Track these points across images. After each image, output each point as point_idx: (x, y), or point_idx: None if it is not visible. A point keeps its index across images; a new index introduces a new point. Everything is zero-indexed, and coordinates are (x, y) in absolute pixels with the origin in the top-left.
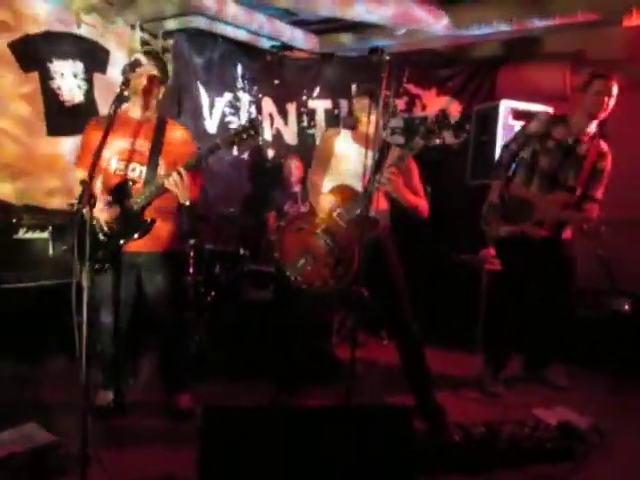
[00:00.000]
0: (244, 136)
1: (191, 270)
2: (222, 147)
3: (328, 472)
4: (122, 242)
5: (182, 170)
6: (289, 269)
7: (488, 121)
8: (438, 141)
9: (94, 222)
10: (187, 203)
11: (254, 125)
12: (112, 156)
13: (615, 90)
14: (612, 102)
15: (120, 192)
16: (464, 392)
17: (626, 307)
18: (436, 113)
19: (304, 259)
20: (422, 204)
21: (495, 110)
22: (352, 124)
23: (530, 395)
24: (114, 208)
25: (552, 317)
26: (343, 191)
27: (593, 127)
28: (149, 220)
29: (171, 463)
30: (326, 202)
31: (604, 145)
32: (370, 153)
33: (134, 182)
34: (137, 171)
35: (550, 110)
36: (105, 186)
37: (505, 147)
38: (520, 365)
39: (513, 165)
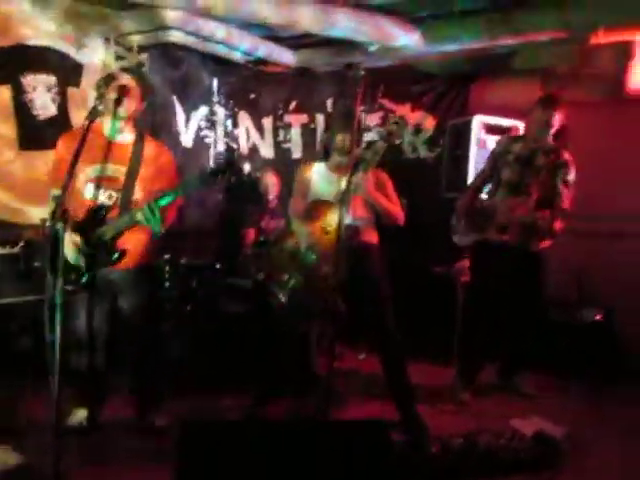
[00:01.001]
0: (219, 177)
1: (167, 284)
2: (198, 187)
3: None
4: (93, 271)
5: (153, 206)
6: (278, 289)
7: (462, 135)
8: (398, 141)
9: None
10: (160, 232)
11: (230, 164)
12: (86, 182)
13: (556, 117)
14: (553, 130)
15: (92, 220)
16: (441, 404)
17: (597, 317)
18: (394, 118)
19: (294, 279)
20: (397, 210)
21: (468, 125)
22: (328, 143)
23: (505, 405)
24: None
25: (520, 325)
26: (319, 206)
27: (548, 141)
28: (121, 250)
29: None
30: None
31: (566, 155)
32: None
33: (109, 209)
34: (113, 198)
35: (520, 125)
36: (77, 212)
37: (480, 172)
38: (494, 373)
39: (485, 188)
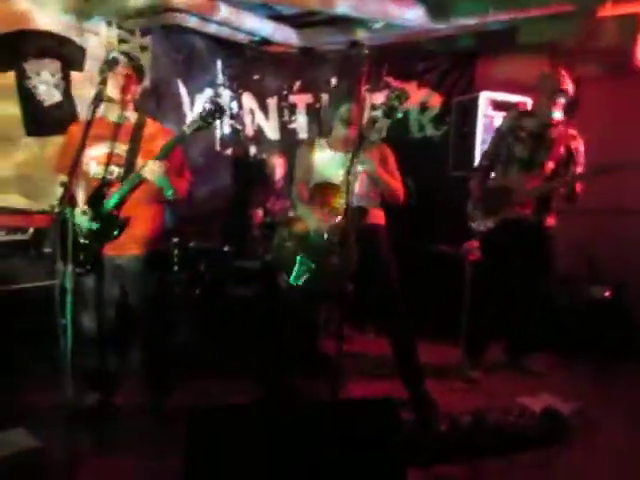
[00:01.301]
0: (210, 119)
1: (175, 268)
2: (188, 132)
3: (317, 468)
4: (101, 243)
5: (156, 160)
6: (289, 274)
7: (468, 112)
8: (400, 115)
9: (75, 226)
10: (171, 197)
11: (218, 106)
12: (90, 161)
13: (569, 86)
14: (564, 99)
15: (97, 196)
16: (449, 382)
17: (606, 294)
18: (395, 91)
19: (304, 264)
20: (398, 187)
21: (475, 101)
22: (330, 116)
23: (514, 383)
24: (94, 216)
25: (533, 303)
26: (324, 189)
27: (558, 115)
28: (123, 218)
29: (158, 466)
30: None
31: (572, 130)
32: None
33: (111, 184)
34: (115, 173)
35: (528, 100)
36: (86, 191)
37: (484, 153)
38: (502, 351)
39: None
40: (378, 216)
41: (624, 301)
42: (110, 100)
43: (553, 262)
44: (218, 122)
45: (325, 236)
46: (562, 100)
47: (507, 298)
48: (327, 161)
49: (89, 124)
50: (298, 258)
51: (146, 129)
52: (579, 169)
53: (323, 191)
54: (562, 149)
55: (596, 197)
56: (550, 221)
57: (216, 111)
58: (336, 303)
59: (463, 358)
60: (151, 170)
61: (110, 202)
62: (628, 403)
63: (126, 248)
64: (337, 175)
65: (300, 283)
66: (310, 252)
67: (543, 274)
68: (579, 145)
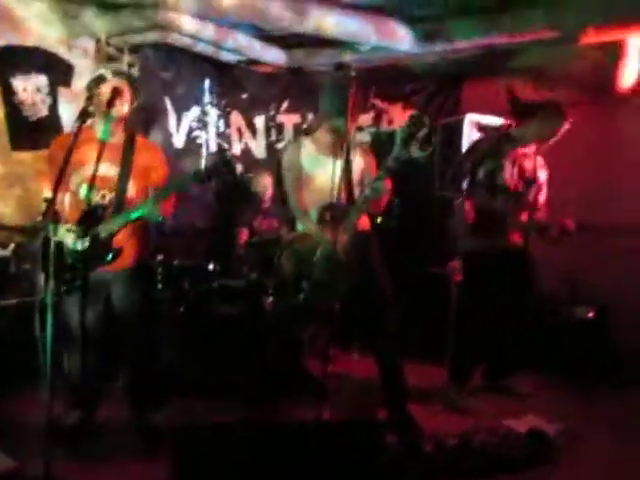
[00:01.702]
0: (215, 175)
1: (160, 286)
2: (192, 182)
3: None
4: (90, 268)
5: (151, 203)
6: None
7: (453, 134)
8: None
9: (62, 245)
10: (157, 220)
11: (228, 164)
12: (81, 183)
13: (567, 125)
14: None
15: (89, 218)
16: (434, 404)
17: (589, 315)
18: (409, 118)
19: (310, 286)
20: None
21: (460, 124)
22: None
23: (499, 405)
24: (82, 237)
25: (517, 325)
26: (329, 213)
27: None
28: (117, 248)
29: None
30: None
31: (540, 159)
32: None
33: (105, 207)
34: (107, 198)
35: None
36: (74, 212)
37: (457, 168)
38: (481, 375)
39: (464, 184)
40: (364, 222)
41: (607, 322)
42: (99, 117)
43: (536, 285)
44: (204, 140)
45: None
46: (553, 140)
47: (488, 320)
48: (316, 167)
49: (74, 140)
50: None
51: (137, 150)
52: (543, 200)
53: (331, 212)
54: (538, 180)
55: (582, 219)
56: (531, 246)
57: (224, 165)
58: (323, 322)
59: (449, 386)
60: (149, 211)
61: (106, 230)
62: (611, 422)
63: (114, 264)
64: (327, 178)
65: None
66: (312, 270)
67: (526, 297)
68: (544, 176)
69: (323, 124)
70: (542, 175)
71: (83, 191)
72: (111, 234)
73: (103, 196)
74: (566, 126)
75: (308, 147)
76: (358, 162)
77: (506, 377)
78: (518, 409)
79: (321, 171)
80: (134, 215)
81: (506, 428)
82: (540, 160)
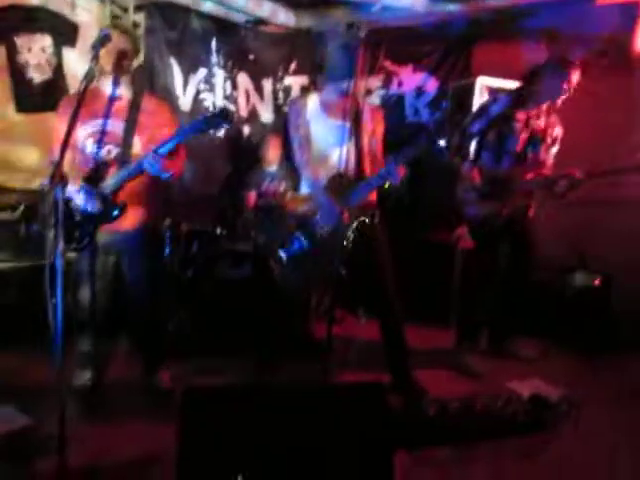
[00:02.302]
0: (214, 124)
1: (167, 250)
2: (191, 133)
3: (306, 450)
4: (99, 224)
5: (156, 156)
6: (282, 249)
7: (464, 98)
8: (443, 143)
9: (70, 203)
10: (164, 177)
11: (226, 115)
12: (86, 138)
13: (575, 81)
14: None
15: (94, 177)
16: (438, 367)
17: (595, 282)
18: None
19: (298, 243)
20: None
21: (471, 87)
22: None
23: (502, 368)
24: (87, 190)
25: (517, 288)
26: (337, 184)
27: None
28: (121, 203)
29: (151, 442)
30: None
31: (554, 116)
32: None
33: (108, 164)
34: (113, 152)
35: None
36: (82, 168)
37: (464, 130)
38: (485, 339)
39: (472, 148)
40: (371, 196)
41: (611, 290)
42: (103, 74)
43: (535, 249)
44: (211, 103)
45: (325, 227)
46: (565, 94)
47: (493, 283)
48: (323, 130)
49: (80, 101)
50: (296, 236)
51: (143, 104)
52: (550, 157)
53: (339, 183)
54: (549, 139)
55: (588, 188)
56: (531, 211)
57: (222, 116)
58: (329, 286)
59: (461, 351)
60: (150, 164)
61: (109, 186)
62: (612, 390)
63: (121, 225)
64: (334, 142)
65: (291, 262)
66: (309, 234)
67: (527, 260)
68: (559, 133)
69: (329, 84)
70: (555, 131)
71: (89, 146)
72: (116, 189)
73: (109, 151)
74: (574, 78)
75: (314, 104)
76: (366, 128)
77: (506, 339)
78: (522, 373)
79: (326, 132)
80: (138, 167)
81: (509, 391)
82: (554, 117)
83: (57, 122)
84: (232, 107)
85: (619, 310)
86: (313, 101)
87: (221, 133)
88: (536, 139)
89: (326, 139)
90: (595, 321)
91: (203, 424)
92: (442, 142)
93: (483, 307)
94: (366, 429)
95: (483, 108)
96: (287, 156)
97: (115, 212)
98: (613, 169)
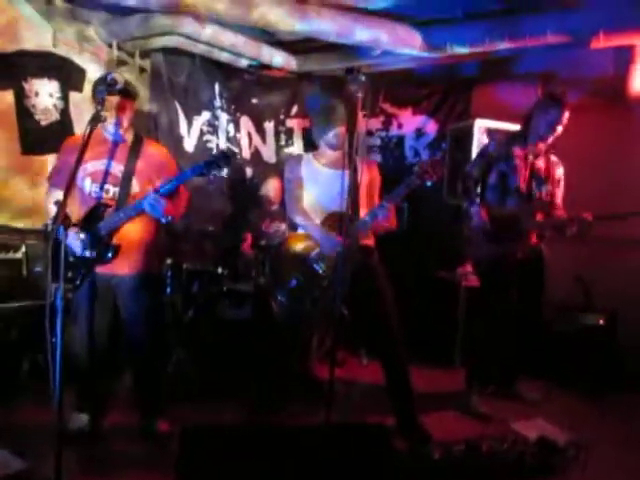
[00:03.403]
0: (214, 168)
1: (168, 290)
2: (192, 176)
3: None
4: (90, 266)
5: (155, 196)
6: (279, 290)
7: (463, 140)
8: (429, 183)
9: (72, 243)
10: (164, 221)
11: (225, 157)
12: (85, 177)
13: (566, 116)
14: (561, 128)
15: (92, 217)
16: (443, 408)
17: (600, 322)
18: (432, 157)
19: (295, 280)
20: (392, 225)
21: (470, 129)
22: (317, 136)
23: (507, 410)
24: (87, 238)
25: (527, 330)
26: (335, 220)
27: (547, 141)
28: (115, 245)
29: None
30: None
31: (555, 157)
32: (339, 174)
33: (108, 205)
34: (111, 192)
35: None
36: (80, 207)
37: (468, 175)
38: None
39: (477, 191)
40: (369, 238)
41: (617, 329)
42: (107, 120)
43: (545, 290)
44: (215, 145)
45: (323, 264)
46: (559, 128)
47: (502, 325)
48: (316, 181)
49: (85, 143)
50: (292, 276)
51: (143, 148)
52: (559, 199)
53: (337, 220)
54: (551, 179)
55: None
56: (545, 249)
57: (222, 160)
58: (330, 327)
59: (468, 390)
60: (151, 205)
61: (106, 226)
62: (619, 433)
63: (121, 268)
64: (326, 193)
65: (291, 301)
66: (307, 273)
67: (538, 301)
68: (561, 173)
69: (323, 139)
70: (558, 172)
71: (87, 185)
72: (113, 230)
73: (107, 191)
74: (565, 115)
75: (309, 161)
76: (364, 180)
77: (513, 381)
78: (526, 415)
79: (322, 186)
80: (138, 207)
81: (514, 433)
82: (554, 157)
83: (57, 161)
84: (235, 149)
85: (626, 347)
86: (308, 160)
87: (224, 173)
88: (539, 178)
89: (320, 188)
90: (600, 361)
91: (201, 466)
92: (428, 182)
93: (492, 348)
94: (369, 472)
95: (482, 149)
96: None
97: (109, 254)
98: (622, 214)
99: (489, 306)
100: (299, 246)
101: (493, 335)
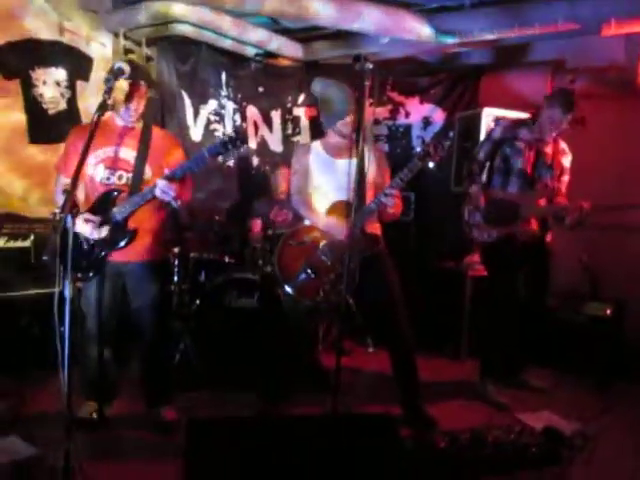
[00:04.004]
0: (229, 146)
1: (175, 278)
2: (208, 158)
3: None
4: (106, 252)
5: (168, 179)
6: (288, 283)
7: (471, 128)
8: (432, 165)
9: (78, 232)
10: (175, 205)
11: (240, 134)
12: (98, 164)
13: (570, 118)
14: (566, 127)
15: (104, 202)
16: (449, 399)
17: (607, 312)
18: (434, 137)
19: (304, 274)
20: (398, 212)
21: (477, 117)
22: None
23: (514, 399)
24: (97, 219)
25: (531, 319)
26: (341, 209)
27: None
28: (132, 230)
29: (155, 476)
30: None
31: (564, 145)
32: (347, 162)
33: (120, 191)
34: (124, 178)
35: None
36: (90, 196)
37: (474, 158)
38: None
39: (483, 175)
40: (375, 226)
41: (624, 319)
42: (116, 108)
43: (549, 276)
44: (221, 133)
45: (330, 254)
46: (570, 117)
47: (511, 314)
48: (324, 168)
49: (93, 131)
50: (303, 268)
51: (153, 136)
52: (564, 186)
53: (340, 210)
54: (558, 165)
55: (600, 213)
56: (549, 237)
57: (237, 139)
58: (336, 316)
59: (484, 381)
60: (162, 190)
61: (121, 212)
62: (626, 422)
63: (130, 255)
64: (333, 181)
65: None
66: (316, 263)
67: (543, 290)
68: (567, 161)
69: (331, 127)
70: (564, 160)
71: (99, 172)
72: (127, 216)
73: (120, 177)
74: (570, 117)
75: (318, 150)
76: (371, 169)
77: (520, 371)
78: (534, 405)
79: (331, 174)
80: (149, 193)
81: (520, 424)
82: (562, 145)
83: (65, 150)
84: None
85: (633, 336)
86: (316, 146)
87: (231, 162)
88: (543, 164)
89: (327, 176)
90: (607, 350)
91: (208, 456)
92: (431, 164)
93: (496, 336)
94: (376, 461)
95: (488, 133)
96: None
97: (125, 239)
98: (620, 205)
99: (492, 292)
100: (306, 238)
101: (496, 322)
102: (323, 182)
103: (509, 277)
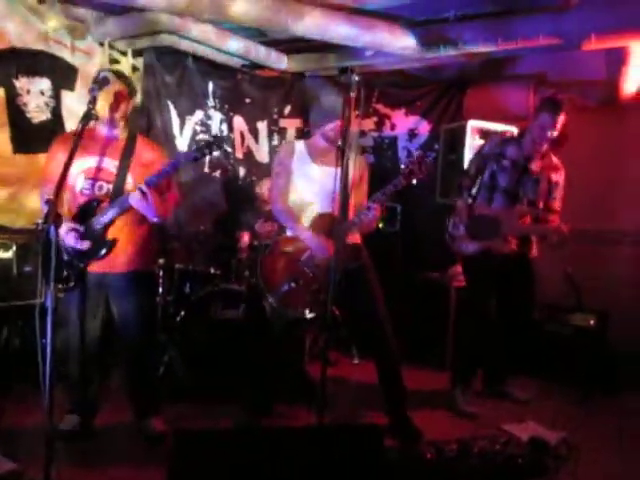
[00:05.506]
0: (206, 151)
1: (160, 290)
2: (184, 162)
3: None
4: (86, 262)
5: (144, 187)
6: (271, 294)
7: (456, 140)
8: (415, 181)
9: (61, 242)
10: (154, 220)
11: (217, 139)
12: (78, 174)
13: (561, 121)
14: (556, 132)
15: (85, 213)
16: (434, 409)
17: (591, 323)
18: (418, 154)
19: (287, 285)
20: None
21: (462, 130)
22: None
23: (498, 410)
24: (78, 230)
25: (513, 332)
26: (325, 222)
27: (545, 147)
28: (111, 240)
29: None
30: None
31: (556, 160)
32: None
33: (100, 201)
34: (104, 189)
35: (514, 130)
36: (71, 206)
37: (464, 172)
38: (480, 381)
39: (474, 189)
40: (355, 237)
41: (607, 330)
42: (99, 118)
43: (534, 292)
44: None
45: (313, 265)
46: (554, 134)
47: (488, 326)
48: (306, 176)
49: (77, 141)
50: (286, 278)
51: (137, 146)
52: (557, 203)
53: (324, 222)
54: (545, 182)
55: (584, 226)
56: (534, 252)
57: (213, 144)
58: (322, 327)
59: (454, 391)
60: (135, 199)
61: (100, 222)
62: (610, 432)
63: (113, 266)
64: (315, 190)
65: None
66: (299, 274)
67: (528, 303)
68: (560, 177)
69: (318, 130)
70: (555, 176)
71: (80, 182)
72: (106, 226)
73: (100, 187)
74: (560, 120)
75: (301, 151)
76: (354, 175)
77: (502, 382)
78: (518, 415)
79: (304, 177)
80: (125, 202)
81: (506, 434)
82: (554, 160)
83: (48, 159)
84: (228, 148)
85: (616, 347)
86: (300, 147)
87: (217, 173)
88: (530, 180)
89: (310, 184)
90: (591, 361)
91: (194, 468)
92: (414, 181)
93: (478, 348)
94: (361, 472)
95: (479, 148)
96: None
97: (104, 249)
98: (595, 231)
99: (470, 304)
100: (289, 249)
101: (474, 334)
102: (303, 188)
103: (484, 290)
